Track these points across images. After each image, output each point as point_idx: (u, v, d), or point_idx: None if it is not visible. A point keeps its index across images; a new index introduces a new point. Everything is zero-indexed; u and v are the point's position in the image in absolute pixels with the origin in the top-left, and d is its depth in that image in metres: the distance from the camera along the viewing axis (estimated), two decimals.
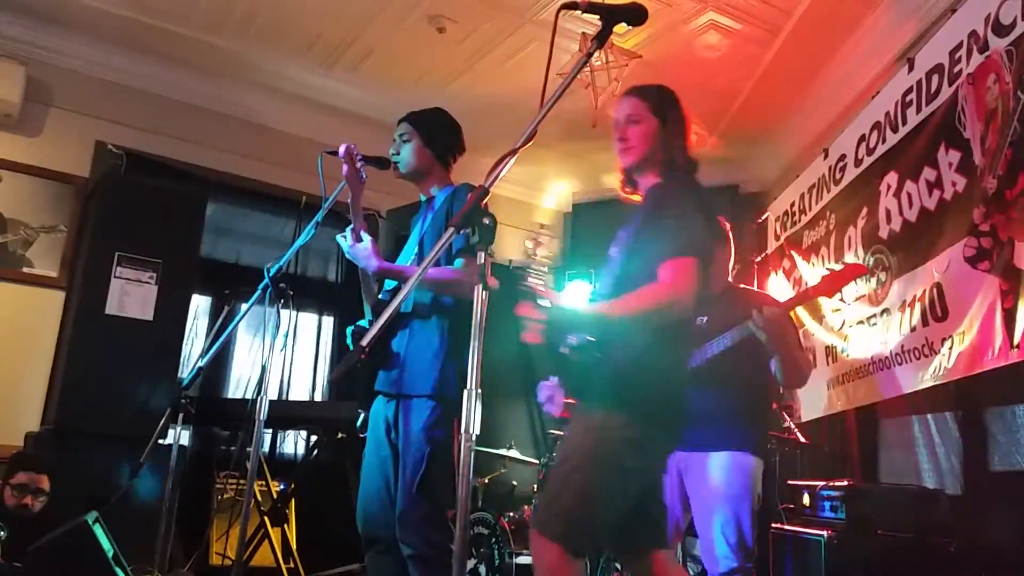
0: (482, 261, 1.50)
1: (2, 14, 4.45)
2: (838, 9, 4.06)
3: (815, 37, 4.30)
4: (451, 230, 1.51)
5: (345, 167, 2.59)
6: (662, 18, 4.23)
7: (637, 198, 2.23)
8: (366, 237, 2.55)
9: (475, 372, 1.49)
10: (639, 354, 1.95)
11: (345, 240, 2.55)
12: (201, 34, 4.68)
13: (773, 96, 4.86)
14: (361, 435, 2.76)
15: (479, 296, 1.50)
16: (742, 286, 3.93)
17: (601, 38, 1.72)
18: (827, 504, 3.02)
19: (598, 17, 1.73)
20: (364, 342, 1.37)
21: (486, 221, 1.50)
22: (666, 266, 1.93)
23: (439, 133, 2.84)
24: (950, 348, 2.86)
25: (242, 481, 4.40)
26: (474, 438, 1.48)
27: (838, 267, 2.66)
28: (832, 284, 2.69)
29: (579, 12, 1.70)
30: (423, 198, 2.89)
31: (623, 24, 1.74)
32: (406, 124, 2.83)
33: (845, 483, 3.04)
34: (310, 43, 4.75)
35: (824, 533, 2.87)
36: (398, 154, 2.78)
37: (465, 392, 1.46)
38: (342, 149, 2.60)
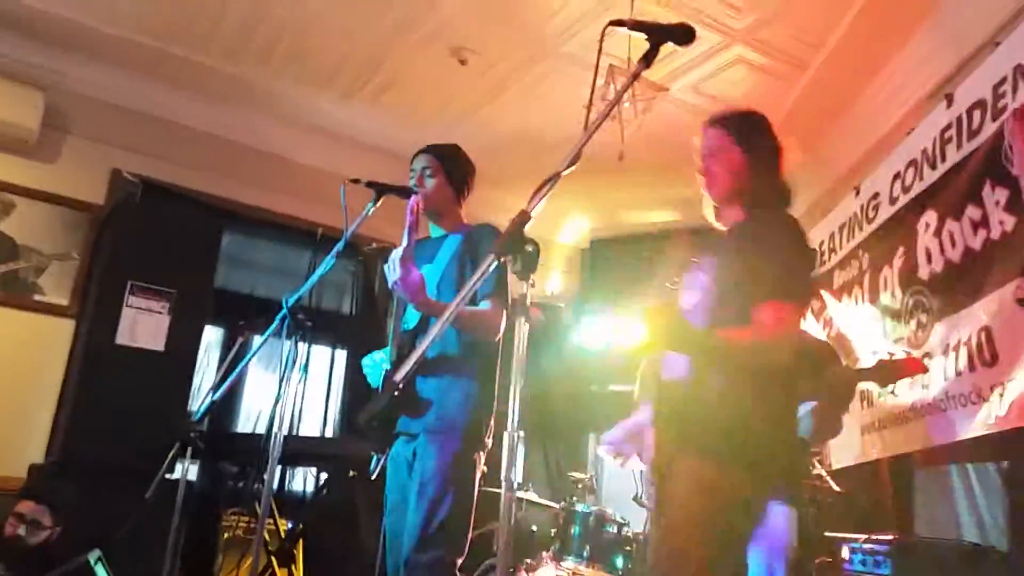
0: (525, 291, 1.39)
1: (22, 40, 4.43)
2: (869, 44, 3.98)
3: (844, 73, 4.21)
4: (490, 258, 1.40)
5: (410, 217, 2.48)
6: (687, 52, 4.17)
7: (721, 228, 2.13)
8: (414, 270, 2.45)
9: (516, 413, 1.37)
10: (742, 402, 1.79)
11: (394, 272, 2.43)
12: (221, 63, 4.64)
13: (799, 133, 4.75)
14: (371, 478, 2.63)
15: (520, 330, 1.38)
16: (804, 331, 3.82)
17: (648, 59, 1.62)
18: (870, 559, 2.85)
19: (644, 37, 1.64)
20: (398, 377, 1.25)
21: (529, 248, 1.39)
22: (763, 309, 1.78)
23: (461, 171, 2.81)
24: (1001, 395, 2.71)
25: (247, 518, 4.26)
26: (516, 487, 1.36)
27: (897, 357, 2.57)
28: (888, 375, 2.60)
29: (625, 31, 1.61)
30: (434, 234, 2.82)
31: (669, 44, 1.65)
32: (429, 157, 2.78)
33: (890, 537, 2.87)
34: (330, 74, 4.70)
35: None
36: (421, 187, 2.73)
37: (505, 435, 1.34)
38: (412, 202, 2.51)
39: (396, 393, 1.23)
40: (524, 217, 1.41)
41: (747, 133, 2.08)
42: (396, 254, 2.39)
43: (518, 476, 1.32)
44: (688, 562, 1.72)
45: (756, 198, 2.04)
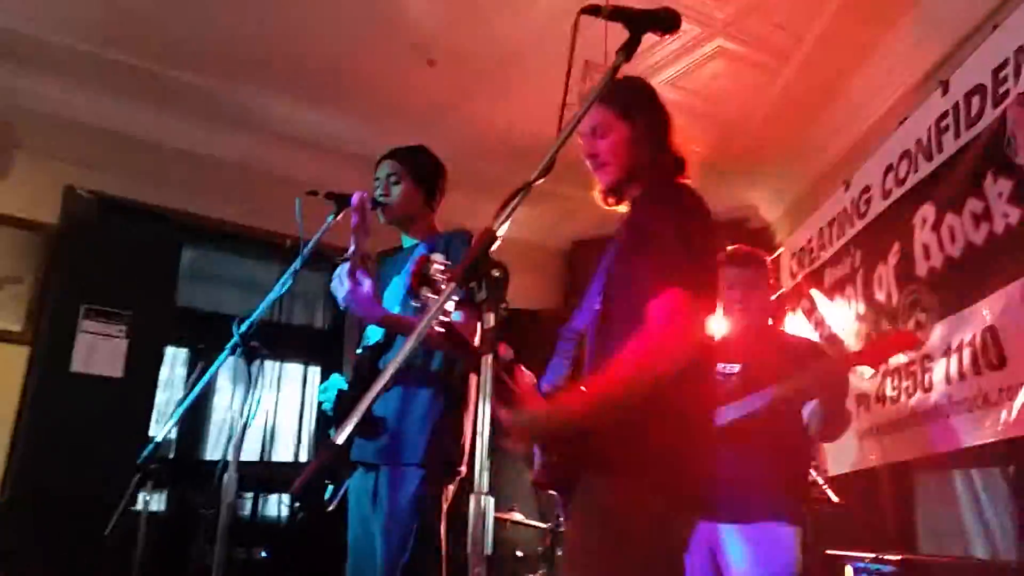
0: (490, 324, 1.18)
1: None
2: (854, 31, 3.80)
3: (828, 63, 4.04)
4: (452, 286, 1.19)
5: (355, 217, 2.27)
6: (666, 45, 3.98)
7: (623, 208, 1.89)
8: (365, 280, 2.24)
9: (484, 448, 1.17)
10: (647, 401, 1.54)
11: (342, 287, 2.22)
12: (174, 70, 4.38)
13: (783, 126, 4.59)
14: (327, 510, 2.41)
15: (486, 364, 1.18)
16: (783, 329, 3.71)
17: (628, 50, 1.42)
18: None
19: (623, 26, 1.44)
20: (339, 439, 1.05)
21: (496, 273, 1.19)
22: (654, 305, 1.54)
23: (429, 174, 2.60)
24: (1011, 400, 2.55)
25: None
26: (489, 525, 1.15)
27: (886, 333, 2.42)
28: (878, 353, 2.45)
29: (601, 18, 1.41)
30: (406, 244, 2.62)
31: (652, 33, 1.46)
32: (394, 163, 2.58)
33: (898, 557, 2.69)
34: (290, 76, 4.46)
35: None
36: (387, 196, 2.54)
37: (471, 497, 1.14)
38: (355, 198, 2.30)
39: (331, 457, 1.03)
40: (489, 237, 1.20)
41: (631, 106, 1.84)
42: (342, 268, 2.18)
43: (490, 515, 1.10)
44: None
45: (649, 172, 1.81)
